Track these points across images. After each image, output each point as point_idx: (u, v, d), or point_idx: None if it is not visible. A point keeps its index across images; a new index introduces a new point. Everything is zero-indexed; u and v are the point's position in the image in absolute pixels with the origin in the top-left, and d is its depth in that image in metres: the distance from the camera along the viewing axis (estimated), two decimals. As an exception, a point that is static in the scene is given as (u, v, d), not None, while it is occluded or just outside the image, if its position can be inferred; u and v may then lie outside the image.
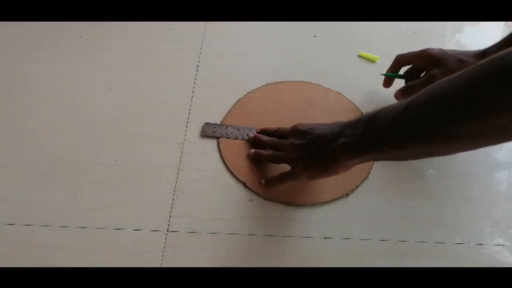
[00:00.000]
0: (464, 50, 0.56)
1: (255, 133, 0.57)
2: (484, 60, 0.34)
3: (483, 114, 0.33)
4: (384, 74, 0.62)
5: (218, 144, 0.57)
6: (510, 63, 0.31)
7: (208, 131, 0.57)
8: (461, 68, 0.49)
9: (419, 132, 0.38)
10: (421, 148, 0.39)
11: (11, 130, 0.57)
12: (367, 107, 0.62)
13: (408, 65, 0.60)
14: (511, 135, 0.34)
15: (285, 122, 0.59)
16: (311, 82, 0.65)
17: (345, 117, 0.60)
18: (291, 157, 0.50)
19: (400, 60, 0.60)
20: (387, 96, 0.63)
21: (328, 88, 0.64)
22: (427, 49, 0.57)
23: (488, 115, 0.33)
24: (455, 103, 0.35)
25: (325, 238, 0.49)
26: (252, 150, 0.55)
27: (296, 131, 0.52)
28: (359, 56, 0.69)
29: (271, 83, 0.64)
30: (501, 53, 0.32)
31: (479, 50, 0.55)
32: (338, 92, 0.63)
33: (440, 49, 0.56)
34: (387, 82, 0.62)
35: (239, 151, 0.56)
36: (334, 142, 0.46)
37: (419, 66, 0.59)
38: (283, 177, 0.51)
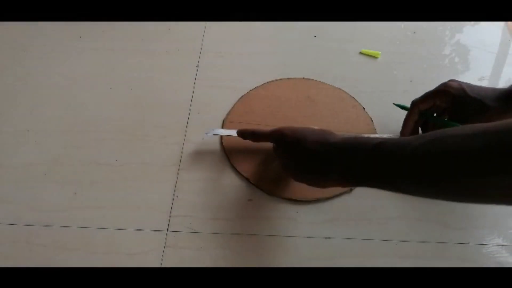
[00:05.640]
0: (485, 87, 0.52)
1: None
2: (497, 128, 0.33)
3: (488, 186, 0.33)
4: (397, 105, 0.58)
5: (221, 142, 0.57)
6: None
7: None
8: (484, 119, 0.49)
9: (423, 183, 0.37)
10: (420, 194, 0.39)
11: (11, 130, 0.57)
12: (369, 103, 0.62)
13: (429, 107, 0.54)
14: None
15: (288, 118, 0.60)
16: (312, 79, 0.65)
17: (347, 113, 0.61)
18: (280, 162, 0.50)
19: (419, 105, 0.54)
20: (390, 92, 0.63)
21: (330, 85, 0.64)
22: (446, 86, 0.52)
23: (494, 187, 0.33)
24: (465, 166, 0.34)
25: (327, 238, 0.49)
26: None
27: (280, 141, 0.49)
28: (361, 53, 0.69)
29: (273, 81, 0.64)
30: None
31: (503, 90, 0.51)
32: (340, 89, 0.64)
33: (460, 86, 0.51)
34: (407, 128, 0.55)
35: (243, 148, 0.56)
36: (326, 172, 0.44)
37: (437, 104, 0.53)
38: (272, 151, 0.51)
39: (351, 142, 0.43)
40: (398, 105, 0.58)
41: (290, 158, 0.48)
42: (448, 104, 0.53)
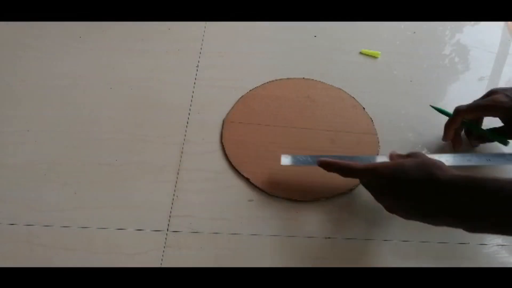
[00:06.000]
0: None
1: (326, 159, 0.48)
2: None
3: None
4: (436, 108, 0.57)
5: (221, 141, 0.57)
6: None
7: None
8: None
9: None
10: None
11: (11, 130, 0.57)
12: (369, 103, 0.62)
13: (473, 118, 0.52)
14: None
15: (288, 118, 0.60)
16: (312, 79, 0.65)
17: (347, 113, 0.61)
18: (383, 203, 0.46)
19: (464, 115, 0.51)
20: (390, 92, 0.63)
21: (330, 85, 0.64)
22: (495, 102, 0.48)
23: None
24: None
25: (327, 238, 0.49)
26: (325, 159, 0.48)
27: (376, 182, 0.45)
28: (361, 53, 0.69)
29: (273, 81, 0.64)
30: None
31: None
32: (340, 89, 0.64)
33: (510, 98, 0.48)
34: (449, 135, 0.53)
35: (244, 148, 0.56)
36: (438, 215, 0.41)
37: (484, 117, 0.52)
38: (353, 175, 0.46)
39: (473, 185, 0.39)
40: (437, 109, 0.56)
41: (393, 201, 0.44)
42: (500, 118, 0.50)
